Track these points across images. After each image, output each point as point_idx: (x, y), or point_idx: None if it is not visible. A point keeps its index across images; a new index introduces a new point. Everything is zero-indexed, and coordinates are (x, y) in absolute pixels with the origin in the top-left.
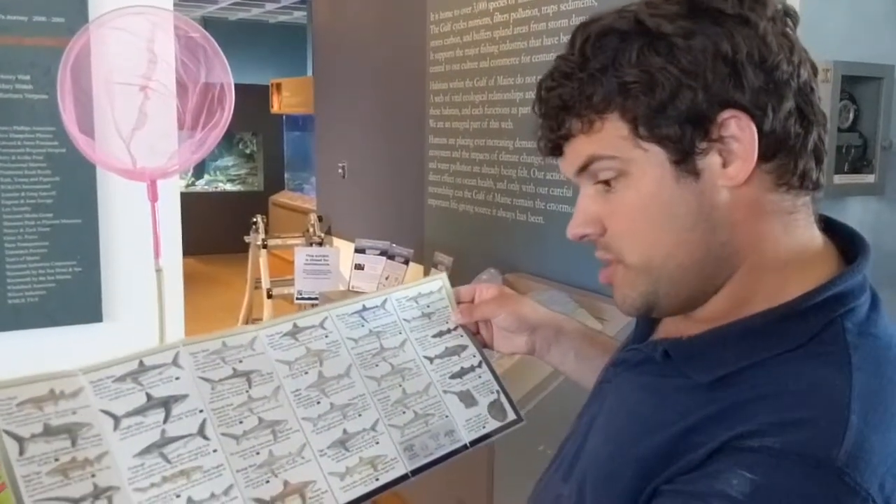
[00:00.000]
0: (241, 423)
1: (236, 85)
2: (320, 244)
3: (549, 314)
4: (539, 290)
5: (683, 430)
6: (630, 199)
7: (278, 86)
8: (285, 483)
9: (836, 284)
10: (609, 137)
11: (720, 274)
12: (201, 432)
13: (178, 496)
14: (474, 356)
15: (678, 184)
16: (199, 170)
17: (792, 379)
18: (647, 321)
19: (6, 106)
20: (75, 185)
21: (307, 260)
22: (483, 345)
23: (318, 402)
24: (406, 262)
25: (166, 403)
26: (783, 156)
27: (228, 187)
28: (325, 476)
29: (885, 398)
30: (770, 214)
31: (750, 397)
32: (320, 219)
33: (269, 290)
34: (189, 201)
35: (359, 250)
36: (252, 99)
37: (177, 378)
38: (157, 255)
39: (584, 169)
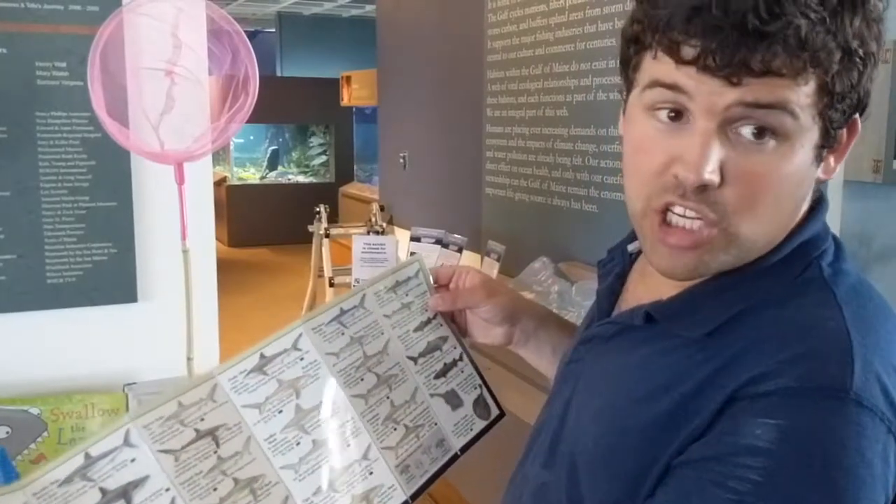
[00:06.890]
0: (215, 490)
1: (309, 78)
2: (381, 233)
3: (532, 305)
4: (591, 278)
5: (685, 393)
6: (780, 168)
7: (348, 78)
8: None
9: (807, 229)
10: (804, 96)
11: None
12: None
13: None
14: (455, 348)
15: (809, 169)
16: (273, 162)
17: (786, 319)
18: (609, 298)
19: (44, 92)
20: (110, 168)
21: (364, 248)
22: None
23: (298, 444)
24: (459, 250)
25: (125, 493)
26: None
27: (301, 179)
28: None
29: (874, 324)
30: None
31: (748, 344)
32: (382, 208)
33: (331, 279)
34: (262, 193)
35: (414, 238)
36: (324, 92)
37: (132, 460)
38: (183, 236)
39: (756, 107)
